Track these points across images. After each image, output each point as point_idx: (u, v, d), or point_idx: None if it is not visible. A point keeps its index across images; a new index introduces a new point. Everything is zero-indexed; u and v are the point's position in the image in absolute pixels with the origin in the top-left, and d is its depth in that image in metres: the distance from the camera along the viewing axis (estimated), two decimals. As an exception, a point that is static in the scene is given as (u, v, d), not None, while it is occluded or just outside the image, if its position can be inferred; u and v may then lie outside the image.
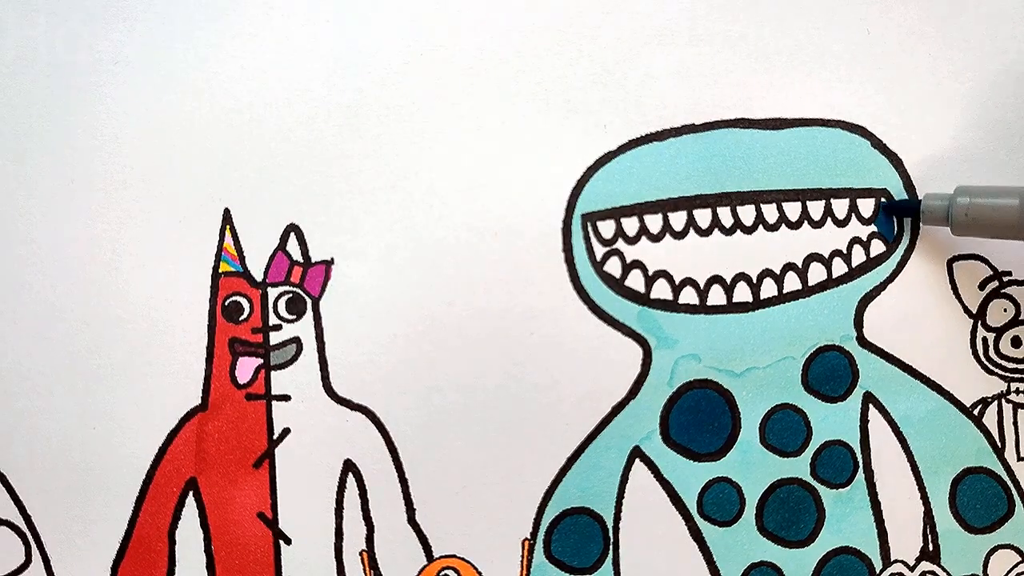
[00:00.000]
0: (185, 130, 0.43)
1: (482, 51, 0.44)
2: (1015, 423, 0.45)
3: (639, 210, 0.44)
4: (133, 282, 0.43)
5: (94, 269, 0.43)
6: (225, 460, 0.44)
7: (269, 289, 0.44)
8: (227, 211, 0.44)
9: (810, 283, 0.44)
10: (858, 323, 0.45)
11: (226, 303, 0.44)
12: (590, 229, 0.44)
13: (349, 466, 0.44)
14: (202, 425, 0.44)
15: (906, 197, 0.45)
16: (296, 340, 0.44)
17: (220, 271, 0.44)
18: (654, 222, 0.44)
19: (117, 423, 0.43)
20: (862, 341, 0.45)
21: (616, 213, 0.44)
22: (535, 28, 0.44)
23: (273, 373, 0.44)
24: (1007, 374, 0.45)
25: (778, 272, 0.44)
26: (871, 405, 0.45)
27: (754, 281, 0.44)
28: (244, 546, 0.44)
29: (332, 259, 0.44)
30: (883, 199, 0.45)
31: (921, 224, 0.44)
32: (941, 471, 0.45)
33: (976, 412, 0.45)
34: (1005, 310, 0.45)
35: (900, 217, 0.45)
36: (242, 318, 0.44)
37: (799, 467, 0.45)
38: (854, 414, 0.45)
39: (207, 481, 0.44)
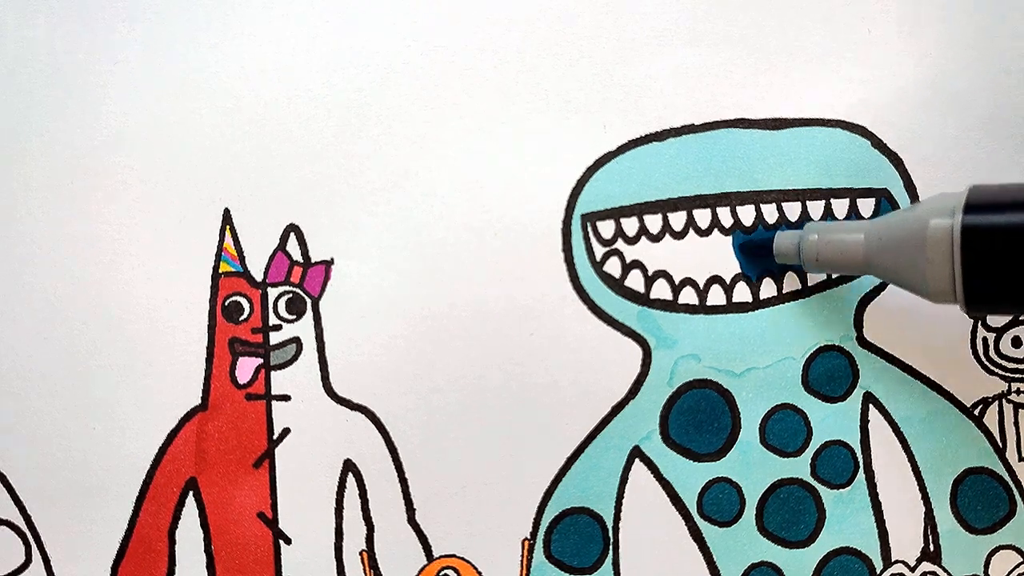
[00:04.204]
0: (185, 130, 0.44)
1: (482, 51, 0.44)
2: (1016, 423, 0.45)
3: (639, 210, 0.44)
4: (133, 282, 0.44)
5: (94, 269, 0.43)
6: (225, 460, 0.44)
7: (269, 289, 0.44)
8: (227, 211, 0.44)
9: (810, 283, 0.44)
10: (858, 323, 0.45)
11: (226, 303, 0.44)
12: (590, 229, 0.44)
13: (349, 466, 0.44)
14: (202, 425, 0.44)
15: (906, 196, 0.45)
16: (296, 340, 0.44)
17: (220, 271, 0.44)
18: (654, 222, 0.44)
19: (117, 423, 0.44)
20: (862, 341, 0.45)
21: (616, 213, 0.44)
22: (535, 28, 0.44)
23: (273, 373, 0.44)
24: (1007, 374, 0.45)
25: (777, 272, 0.44)
26: (871, 405, 0.45)
27: (753, 281, 0.44)
28: (244, 546, 0.44)
29: (332, 259, 0.44)
30: (743, 235, 0.44)
31: (776, 262, 0.43)
32: (942, 471, 0.45)
33: (977, 412, 0.45)
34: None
35: (759, 256, 0.44)
36: (242, 318, 0.44)
37: (799, 467, 0.45)
38: (854, 414, 0.45)
39: (207, 481, 0.44)
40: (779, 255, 0.43)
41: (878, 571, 0.45)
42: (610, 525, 0.44)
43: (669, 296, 0.44)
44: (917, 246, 0.37)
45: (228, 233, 0.44)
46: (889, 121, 0.45)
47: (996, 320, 0.45)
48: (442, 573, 0.44)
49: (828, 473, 0.45)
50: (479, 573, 0.44)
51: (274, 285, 0.44)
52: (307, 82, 0.44)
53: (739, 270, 0.44)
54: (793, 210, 0.44)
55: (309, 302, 0.44)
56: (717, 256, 0.44)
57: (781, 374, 0.45)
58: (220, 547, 0.44)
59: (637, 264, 0.44)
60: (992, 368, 0.45)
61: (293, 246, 0.44)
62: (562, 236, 0.44)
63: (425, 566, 0.44)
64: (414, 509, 0.44)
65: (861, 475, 0.45)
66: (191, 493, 0.44)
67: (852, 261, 0.40)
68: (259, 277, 0.44)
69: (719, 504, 0.44)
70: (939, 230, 0.36)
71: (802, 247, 0.42)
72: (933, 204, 0.37)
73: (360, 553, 0.44)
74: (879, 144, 0.45)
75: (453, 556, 0.44)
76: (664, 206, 0.44)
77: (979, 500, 0.45)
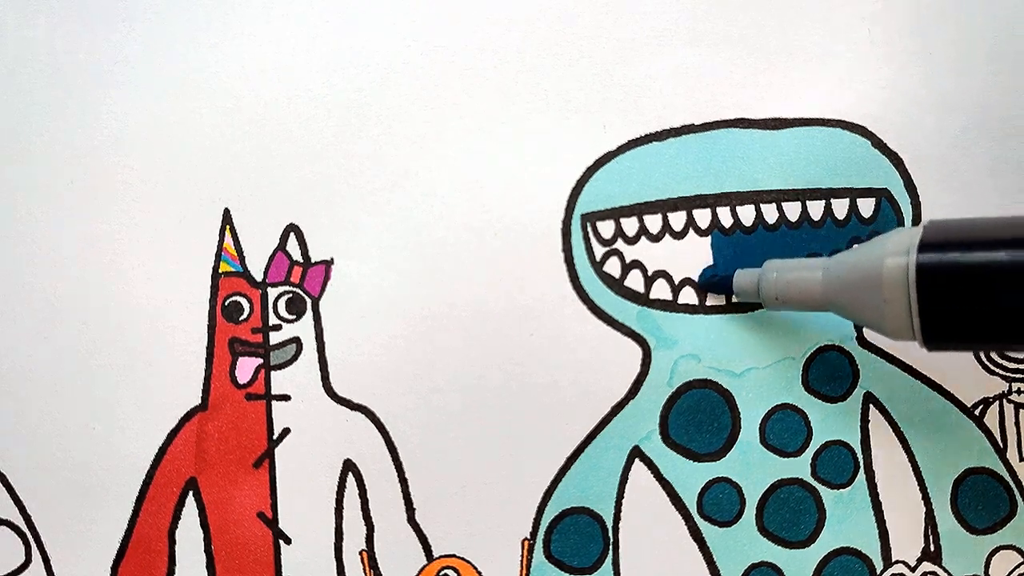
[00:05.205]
0: (185, 130, 0.44)
1: (482, 51, 0.44)
2: (1017, 423, 0.45)
3: (639, 210, 0.44)
4: (133, 282, 0.44)
5: (94, 269, 0.43)
6: (225, 460, 0.44)
7: (269, 289, 0.44)
8: (227, 211, 0.44)
9: (810, 283, 0.44)
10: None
11: (226, 303, 0.44)
12: (590, 229, 0.44)
13: (349, 466, 0.44)
14: (202, 425, 0.44)
15: (906, 196, 0.44)
16: (296, 340, 0.44)
17: (220, 271, 0.44)
18: (653, 222, 0.44)
19: (117, 423, 0.44)
20: (862, 341, 0.45)
21: (616, 213, 0.44)
22: (535, 28, 0.44)
23: (273, 373, 0.44)
24: (1008, 374, 0.45)
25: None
26: (871, 405, 0.45)
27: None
28: (244, 546, 0.44)
29: (332, 259, 0.44)
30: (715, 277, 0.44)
31: (734, 299, 0.44)
32: (942, 471, 0.45)
33: (977, 412, 0.45)
34: None
35: (720, 293, 0.44)
36: (242, 318, 0.44)
37: (799, 467, 0.45)
38: (854, 414, 0.45)
39: (207, 481, 0.44)
40: (739, 293, 0.43)
41: (878, 571, 0.45)
42: (610, 525, 0.44)
43: (669, 296, 0.44)
44: (874, 285, 0.37)
45: (228, 233, 0.44)
46: (889, 121, 0.45)
47: (996, 320, 0.45)
48: (442, 573, 0.44)
49: (828, 473, 0.45)
50: (479, 573, 0.44)
51: (274, 285, 0.44)
52: (307, 82, 0.44)
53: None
54: (793, 210, 0.44)
55: (309, 302, 0.44)
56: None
57: (781, 374, 0.44)
58: (220, 547, 0.44)
59: (637, 264, 0.44)
60: (993, 368, 0.45)
61: (293, 246, 0.44)
62: (562, 236, 0.44)
63: (425, 566, 0.44)
64: (414, 509, 0.44)
65: (861, 475, 0.45)
66: (191, 493, 0.44)
67: (811, 299, 0.40)
68: (259, 277, 0.44)
69: (719, 504, 0.44)
70: (895, 269, 0.36)
71: (761, 286, 0.41)
72: (889, 241, 0.37)
73: (360, 553, 0.44)
74: (879, 144, 0.45)
75: (453, 556, 0.44)
76: (664, 206, 0.44)
77: (979, 500, 0.45)
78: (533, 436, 0.44)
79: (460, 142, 0.44)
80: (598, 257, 0.44)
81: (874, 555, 0.45)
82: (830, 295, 0.39)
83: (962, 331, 0.36)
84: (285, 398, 0.44)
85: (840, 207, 0.44)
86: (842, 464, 0.45)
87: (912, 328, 0.36)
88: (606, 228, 0.44)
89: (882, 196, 0.45)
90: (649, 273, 0.44)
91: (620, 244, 0.44)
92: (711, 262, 0.44)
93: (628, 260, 0.44)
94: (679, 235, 0.44)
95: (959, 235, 0.36)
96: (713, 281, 0.44)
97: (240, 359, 0.44)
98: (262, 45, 0.44)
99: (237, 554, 0.44)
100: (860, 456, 0.45)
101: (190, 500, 0.44)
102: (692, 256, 0.44)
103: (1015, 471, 0.45)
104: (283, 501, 0.44)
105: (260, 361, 0.44)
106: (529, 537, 0.44)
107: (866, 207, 0.44)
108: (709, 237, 0.44)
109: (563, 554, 0.44)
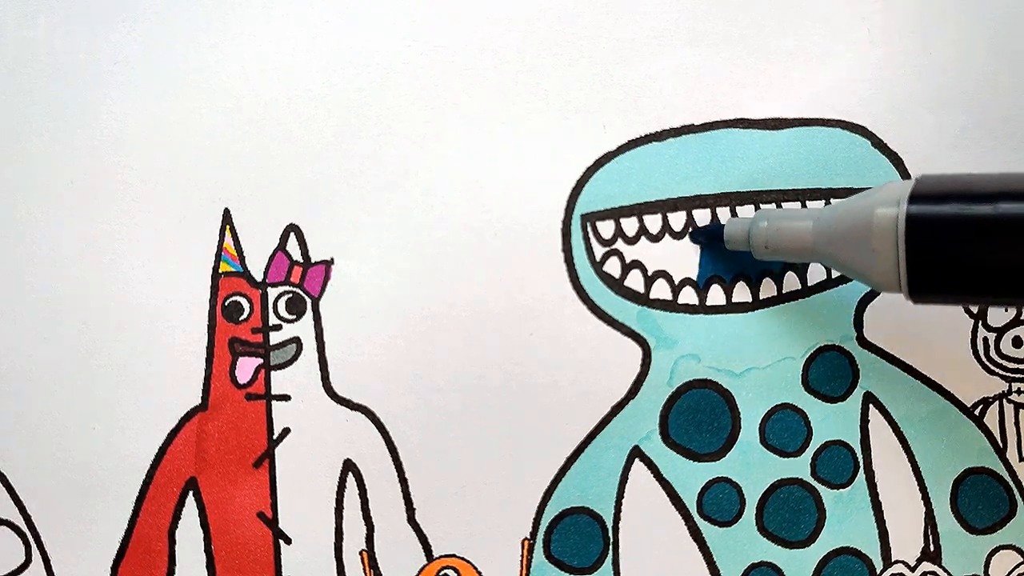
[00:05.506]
0: (185, 130, 0.44)
1: (482, 51, 0.44)
2: (1017, 423, 0.45)
3: (638, 210, 0.44)
4: (133, 282, 0.44)
5: (94, 269, 0.43)
6: (225, 460, 0.44)
7: (269, 289, 0.44)
8: (227, 211, 0.44)
9: (809, 283, 0.44)
10: (858, 323, 0.45)
11: (226, 303, 0.44)
12: (589, 229, 0.44)
13: (349, 466, 0.44)
14: (202, 425, 0.44)
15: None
16: (296, 340, 0.44)
17: (220, 271, 0.44)
18: (653, 222, 0.44)
19: (117, 423, 0.44)
20: (862, 341, 0.45)
21: (615, 213, 0.44)
22: (535, 28, 0.44)
23: (273, 373, 0.44)
24: (1008, 374, 0.45)
25: (777, 272, 0.44)
26: (871, 405, 0.45)
27: (753, 281, 0.44)
28: (244, 546, 0.44)
29: (332, 259, 0.44)
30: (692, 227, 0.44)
31: (727, 248, 0.43)
32: (942, 471, 0.45)
33: (977, 412, 0.45)
34: (1006, 310, 0.45)
35: (709, 243, 0.44)
36: (242, 318, 0.44)
37: (799, 467, 0.45)
38: (854, 414, 0.45)
39: (207, 481, 0.44)
40: (729, 242, 0.43)
41: (878, 571, 0.45)
42: (610, 525, 0.44)
43: (669, 296, 0.44)
44: (863, 235, 0.37)
45: (228, 233, 0.44)
46: (889, 121, 0.45)
47: (996, 320, 0.45)
48: (442, 573, 0.44)
49: (828, 473, 0.45)
50: (479, 573, 0.44)
51: (274, 285, 0.44)
52: (307, 82, 0.44)
53: (739, 270, 0.44)
54: (793, 210, 0.44)
55: (309, 302, 0.44)
56: (717, 256, 0.44)
57: (781, 374, 0.45)
58: (220, 547, 0.44)
59: (637, 264, 0.44)
60: (992, 368, 0.45)
61: (293, 246, 0.44)
62: (562, 236, 0.44)
63: (425, 566, 0.44)
64: (414, 509, 0.44)
65: (861, 475, 0.45)
66: (191, 493, 0.44)
67: (800, 248, 0.40)
68: (259, 277, 0.44)
69: (719, 504, 0.44)
70: (884, 219, 0.36)
71: (752, 234, 0.41)
72: (880, 193, 0.37)
73: (360, 553, 0.44)
74: (879, 144, 0.45)
75: (453, 556, 0.44)
76: (664, 206, 0.44)
77: (979, 500, 0.45)
78: (533, 436, 0.44)
79: (460, 142, 0.44)
80: (598, 257, 0.44)
81: (874, 555, 0.45)
82: (820, 244, 0.39)
83: (948, 283, 0.35)
84: (285, 398, 0.44)
85: (840, 207, 0.44)
86: (842, 464, 0.45)
87: (899, 279, 0.36)
88: (606, 228, 0.44)
89: (882, 196, 0.45)
90: (649, 273, 0.44)
91: (620, 244, 0.44)
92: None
93: (628, 260, 0.44)
94: (679, 235, 0.44)
95: (950, 188, 0.35)
96: (705, 231, 0.44)
97: (240, 359, 0.44)
98: (262, 45, 0.44)
99: (237, 554, 0.44)
100: (860, 456, 0.45)
101: (190, 500, 0.44)
102: (692, 256, 0.44)
103: (1015, 471, 0.45)
104: (283, 501, 0.44)
105: (260, 361, 0.44)
106: (529, 537, 0.44)
107: (866, 207, 0.44)
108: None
109: (563, 554, 0.44)
